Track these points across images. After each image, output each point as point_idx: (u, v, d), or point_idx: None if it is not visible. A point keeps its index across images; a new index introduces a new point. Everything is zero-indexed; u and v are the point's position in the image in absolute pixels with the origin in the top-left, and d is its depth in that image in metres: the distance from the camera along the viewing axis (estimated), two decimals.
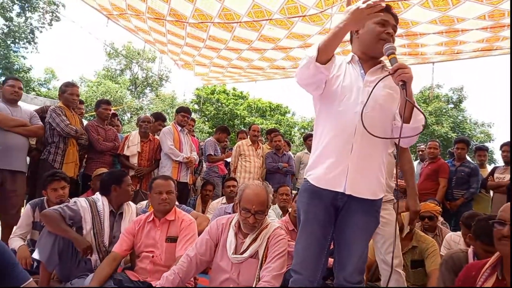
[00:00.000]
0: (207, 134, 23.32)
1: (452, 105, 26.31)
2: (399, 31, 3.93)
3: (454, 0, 3.46)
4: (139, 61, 29.17)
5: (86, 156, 4.49)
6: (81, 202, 2.75)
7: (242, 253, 2.18)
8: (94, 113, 4.93)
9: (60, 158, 3.93)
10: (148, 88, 33.13)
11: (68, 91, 4.11)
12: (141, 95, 32.58)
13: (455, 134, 23.18)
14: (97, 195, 2.90)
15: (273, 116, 27.48)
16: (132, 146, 4.61)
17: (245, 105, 26.96)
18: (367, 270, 3.08)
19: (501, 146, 5.16)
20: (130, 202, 3.02)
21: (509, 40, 4.26)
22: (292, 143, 20.98)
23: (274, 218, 3.76)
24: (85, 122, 4.67)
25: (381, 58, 1.85)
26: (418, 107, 1.63)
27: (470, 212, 3.47)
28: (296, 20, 3.78)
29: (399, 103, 1.75)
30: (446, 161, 5.65)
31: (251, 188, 2.20)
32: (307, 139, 6.54)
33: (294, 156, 6.42)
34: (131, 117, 26.12)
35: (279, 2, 3.46)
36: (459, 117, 25.67)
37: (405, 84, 1.54)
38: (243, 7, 3.77)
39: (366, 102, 1.63)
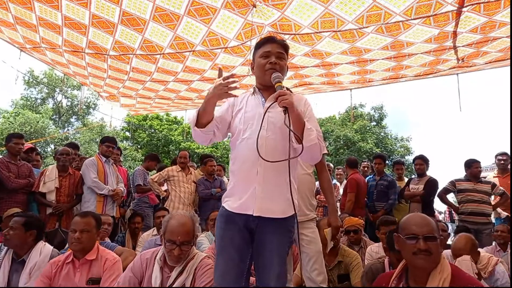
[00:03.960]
0: (140, 162, 22.40)
1: (374, 123, 28.52)
2: (316, 61, 4.19)
3: (359, 33, 3.76)
4: (63, 88, 27.39)
5: None
6: None
7: None
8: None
9: None
10: (74, 116, 31.12)
11: None
12: (66, 125, 30.50)
13: (379, 149, 25.01)
14: None
15: None
16: (49, 181, 4.31)
17: (180, 130, 26.49)
18: None
19: (414, 160, 5.71)
20: (42, 247, 2.78)
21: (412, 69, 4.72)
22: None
23: (207, 245, 3.71)
24: None
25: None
26: (294, 131, 1.70)
27: (382, 218, 3.79)
28: (219, 52, 3.89)
29: None
30: (367, 176, 6.14)
31: (176, 219, 2.18)
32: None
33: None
34: (55, 148, 24.19)
35: (200, 35, 3.54)
36: (381, 134, 27.85)
37: (286, 110, 1.67)
38: (165, 40, 3.77)
39: (261, 126, 1.76)
